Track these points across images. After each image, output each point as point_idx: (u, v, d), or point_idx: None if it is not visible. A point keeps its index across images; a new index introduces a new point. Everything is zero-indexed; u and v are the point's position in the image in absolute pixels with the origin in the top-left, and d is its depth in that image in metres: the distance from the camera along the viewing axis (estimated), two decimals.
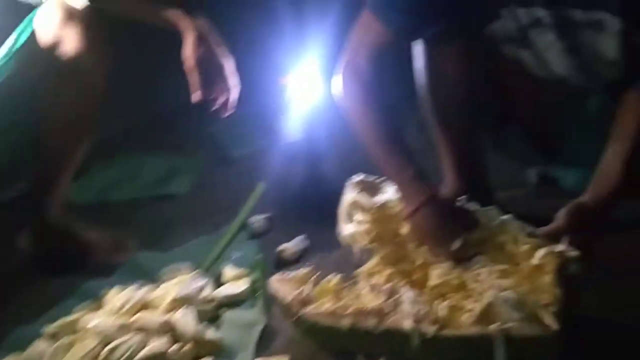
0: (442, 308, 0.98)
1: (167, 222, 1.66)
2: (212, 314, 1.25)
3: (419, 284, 1.12)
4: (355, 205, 1.22)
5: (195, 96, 1.34)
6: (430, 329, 0.96)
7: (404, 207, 1.18)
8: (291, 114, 1.78)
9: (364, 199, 1.22)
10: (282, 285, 1.13)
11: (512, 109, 1.44)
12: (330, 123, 1.68)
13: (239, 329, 1.22)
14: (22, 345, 1.17)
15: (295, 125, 1.80)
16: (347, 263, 1.31)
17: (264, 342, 1.19)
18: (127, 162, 1.95)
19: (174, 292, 1.22)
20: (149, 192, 1.79)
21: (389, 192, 1.25)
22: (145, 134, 2.15)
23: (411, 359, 1.00)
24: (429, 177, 1.22)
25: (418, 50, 1.36)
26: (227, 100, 1.37)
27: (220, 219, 1.59)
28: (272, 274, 1.21)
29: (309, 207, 1.65)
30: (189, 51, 1.30)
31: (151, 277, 1.36)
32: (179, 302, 1.21)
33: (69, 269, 1.43)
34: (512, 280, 1.05)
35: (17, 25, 1.33)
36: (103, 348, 1.10)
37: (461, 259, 1.11)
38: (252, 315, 1.24)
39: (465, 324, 0.96)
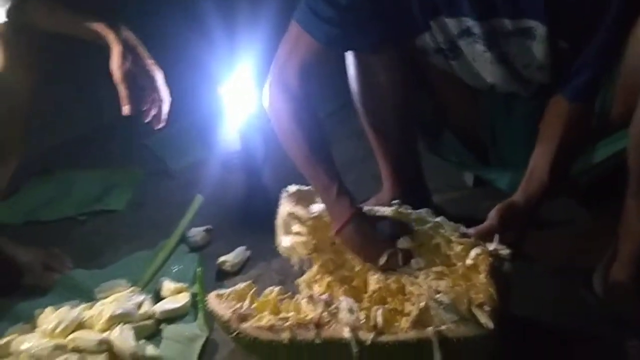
0: (379, 314, 0.98)
1: (104, 238, 1.63)
2: (151, 330, 1.23)
3: (359, 290, 1.13)
4: (292, 217, 1.22)
5: (125, 109, 1.32)
6: (368, 336, 0.97)
7: (332, 223, 1.18)
8: (227, 125, 1.77)
9: (299, 209, 1.22)
10: (221, 301, 1.11)
11: (446, 115, 1.46)
12: (267, 133, 1.67)
13: (180, 343, 1.20)
14: None
15: (232, 136, 1.79)
16: (288, 272, 1.32)
17: (206, 355, 1.17)
18: (60, 180, 1.90)
19: (110, 310, 1.19)
20: (85, 208, 1.75)
21: None
22: (79, 150, 2.10)
23: None
24: (362, 187, 1.22)
25: (349, 60, 1.37)
26: (159, 113, 1.35)
27: (159, 233, 1.56)
28: (213, 285, 1.19)
29: (249, 218, 1.64)
30: (115, 64, 1.27)
31: (87, 295, 1.33)
32: (116, 320, 1.18)
33: (1, 291, 1.39)
34: (448, 281, 1.06)
35: None
36: None
37: (393, 268, 1.12)
38: (193, 330, 1.22)
39: (403, 328, 0.97)
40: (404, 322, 0.97)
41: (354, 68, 1.38)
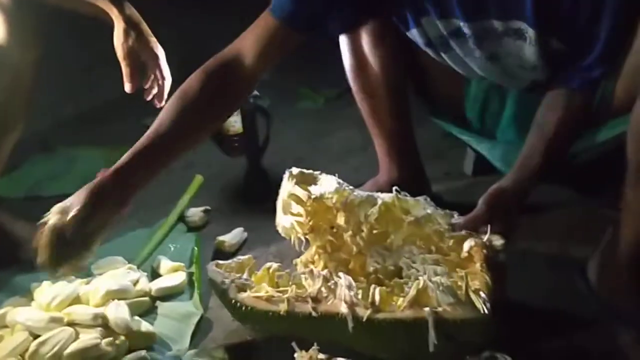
0: (377, 293, 0.99)
1: None
2: (147, 307, 1.23)
3: (356, 273, 1.13)
4: (292, 197, 1.23)
5: (128, 87, 1.32)
6: (365, 313, 0.97)
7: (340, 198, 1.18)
8: None
9: (300, 191, 1.22)
10: (220, 270, 1.12)
11: (439, 101, 1.47)
12: (268, 114, 1.67)
13: (175, 320, 1.20)
14: None
15: (233, 118, 1.79)
16: (285, 255, 1.33)
17: (201, 333, 1.18)
18: (61, 156, 1.91)
19: (106, 286, 1.20)
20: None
21: (325, 184, 1.26)
22: (80, 128, 2.11)
23: (347, 342, 1.01)
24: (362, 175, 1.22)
25: (342, 43, 1.38)
26: (160, 91, 1.35)
27: (157, 212, 1.56)
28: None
29: (248, 200, 1.65)
30: (119, 40, 1.28)
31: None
32: (111, 295, 1.18)
33: None
34: (444, 267, 1.07)
35: None
36: (32, 342, 1.08)
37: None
38: (188, 308, 1.23)
39: (400, 306, 0.97)
40: (401, 302, 0.98)
41: (344, 50, 1.38)
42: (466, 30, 1.20)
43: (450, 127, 1.48)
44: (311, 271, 1.07)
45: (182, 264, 1.33)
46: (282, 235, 1.26)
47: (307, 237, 1.20)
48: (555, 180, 1.35)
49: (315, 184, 1.28)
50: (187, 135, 1.18)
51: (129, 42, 1.28)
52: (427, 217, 1.15)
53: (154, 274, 1.33)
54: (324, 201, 1.21)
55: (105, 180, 1.10)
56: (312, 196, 1.20)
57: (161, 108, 1.35)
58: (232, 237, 1.43)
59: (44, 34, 1.33)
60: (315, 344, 0.99)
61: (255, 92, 1.61)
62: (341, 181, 1.25)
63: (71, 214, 1.06)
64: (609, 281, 1.13)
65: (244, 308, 1.05)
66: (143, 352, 1.10)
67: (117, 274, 1.26)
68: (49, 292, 1.19)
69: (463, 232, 1.10)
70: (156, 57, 1.31)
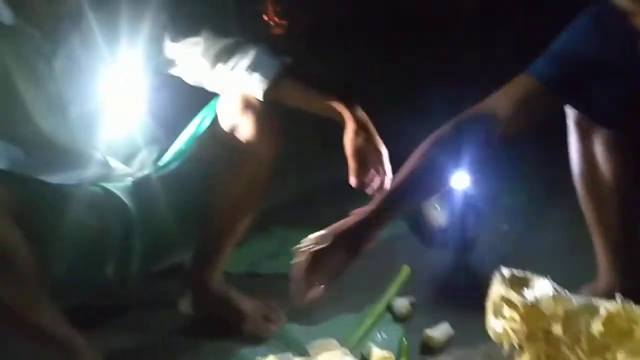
0: None
1: None
2: None
3: None
4: (504, 301, 1.22)
5: (353, 181, 1.42)
6: None
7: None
8: (437, 202, 1.82)
9: (513, 294, 1.22)
10: None
11: None
12: (478, 210, 1.70)
13: None
14: None
15: (435, 211, 1.83)
16: (495, 357, 1.32)
17: None
18: (276, 236, 2.05)
19: None
20: None
21: (539, 288, 1.24)
22: (294, 209, 2.26)
23: None
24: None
25: (572, 139, 1.38)
26: (381, 185, 1.43)
27: (363, 298, 1.63)
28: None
29: (452, 294, 1.66)
30: (349, 139, 1.39)
31: (300, 349, 1.43)
32: None
33: (224, 334, 1.53)
34: None
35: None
36: None
37: None
38: None
39: None
40: None
41: (574, 152, 1.38)
42: None
43: None
44: None
45: (392, 354, 1.37)
46: (493, 339, 1.25)
47: (519, 344, 1.19)
48: None
49: (528, 287, 1.27)
50: (437, 177, 1.29)
51: (357, 140, 1.38)
52: None
53: None
54: (539, 307, 1.19)
55: (358, 221, 1.23)
56: (528, 302, 1.20)
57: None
58: (439, 332, 1.46)
59: (285, 131, 1.49)
60: None
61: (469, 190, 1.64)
62: (557, 285, 1.23)
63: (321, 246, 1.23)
64: None
65: None
66: None
67: (333, 356, 1.34)
68: None
69: None
70: (380, 155, 1.40)
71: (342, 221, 1.27)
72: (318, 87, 1.41)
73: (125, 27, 1.35)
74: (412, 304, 1.60)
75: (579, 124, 1.37)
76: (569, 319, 1.14)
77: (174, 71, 1.48)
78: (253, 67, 1.41)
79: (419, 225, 1.95)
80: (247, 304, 1.57)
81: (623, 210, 1.37)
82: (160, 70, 1.47)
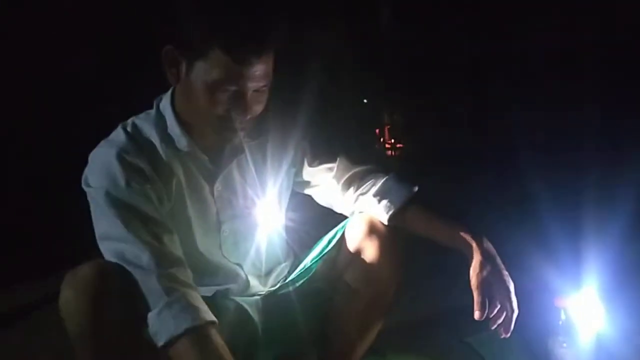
0: None
1: None
2: None
3: None
4: None
5: (477, 314, 1.40)
6: None
7: None
8: (566, 340, 1.73)
9: None
10: None
11: None
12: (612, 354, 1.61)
13: None
14: None
15: (571, 353, 1.74)
16: None
17: None
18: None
19: None
20: None
21: None
22: (407, 334, 2.23)
23: None
24: None
25: None
26: (507, 322, 1.40)
27: None
28: None
29: None
30: (474, 271, 1.38)
31: None
32: None
33: None
34: None
35: None
36: None
37: None
38: None
39: None
40: None
41: None
42: None
43: None
44: None
45: None
46: None
47: None
48: None
49: None
50: None
51: (483, 273, 1.37)
52: None
53: None
54: None
55: None
56: None
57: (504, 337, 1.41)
58: None
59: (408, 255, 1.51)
60: None
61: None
62: None
63: None
64: None
65: None
66: None
67: None
68: None
69: None
70: (507, 290, 1.37)
71: None
72: (445, 216, 1.44)
73: (273, 153, 1.47)
74: None
75: None
76: None
77: (307, 191, 1.56)
78: (382, 194, 1.46)
79: None
80: None
81: None
82: (296, 190, 1.56)
